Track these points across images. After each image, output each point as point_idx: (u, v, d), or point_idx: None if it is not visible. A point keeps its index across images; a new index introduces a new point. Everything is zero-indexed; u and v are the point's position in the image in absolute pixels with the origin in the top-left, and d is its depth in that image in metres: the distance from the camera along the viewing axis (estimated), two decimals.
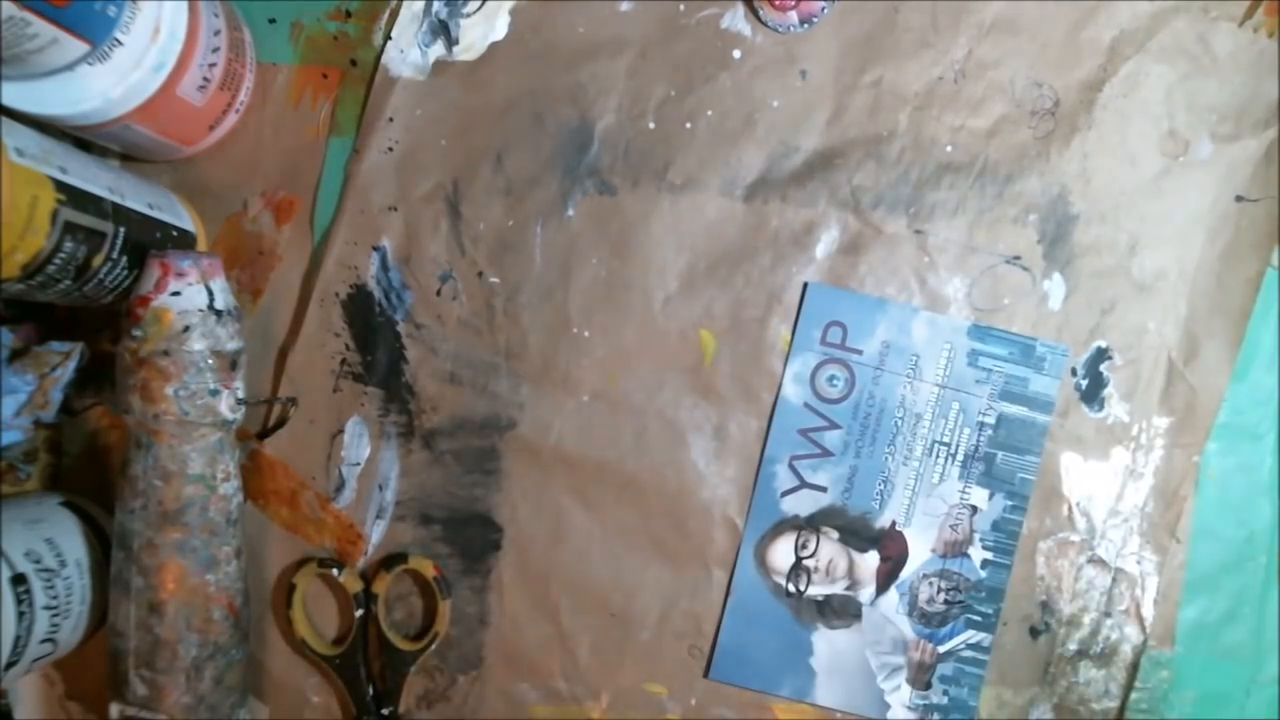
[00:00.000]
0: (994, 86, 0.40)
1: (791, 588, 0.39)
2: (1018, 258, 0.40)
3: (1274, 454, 0.40)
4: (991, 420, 0.38)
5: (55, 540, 0.37)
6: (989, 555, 0.39)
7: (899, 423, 0.39)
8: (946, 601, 0.39)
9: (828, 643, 0.39)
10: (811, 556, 0.39)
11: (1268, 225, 0.40)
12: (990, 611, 0.39)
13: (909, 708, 0.39)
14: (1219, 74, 0.39)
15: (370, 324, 0.41)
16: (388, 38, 0.41)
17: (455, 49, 0.41)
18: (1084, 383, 0.40)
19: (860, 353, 0.39)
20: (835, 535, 0.39)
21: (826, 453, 0.39)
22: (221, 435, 0.36)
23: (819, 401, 0.39)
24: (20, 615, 0.34)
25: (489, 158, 0.41)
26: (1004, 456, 0.39)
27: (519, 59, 0.41)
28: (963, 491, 0.39)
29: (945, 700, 0.39)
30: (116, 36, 0.33)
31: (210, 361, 0.35)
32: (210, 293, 0.36)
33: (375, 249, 0.41)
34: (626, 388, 0.41)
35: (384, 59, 0.41)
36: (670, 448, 0.40)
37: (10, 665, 0.35)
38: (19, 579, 0.35)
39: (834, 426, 0.39)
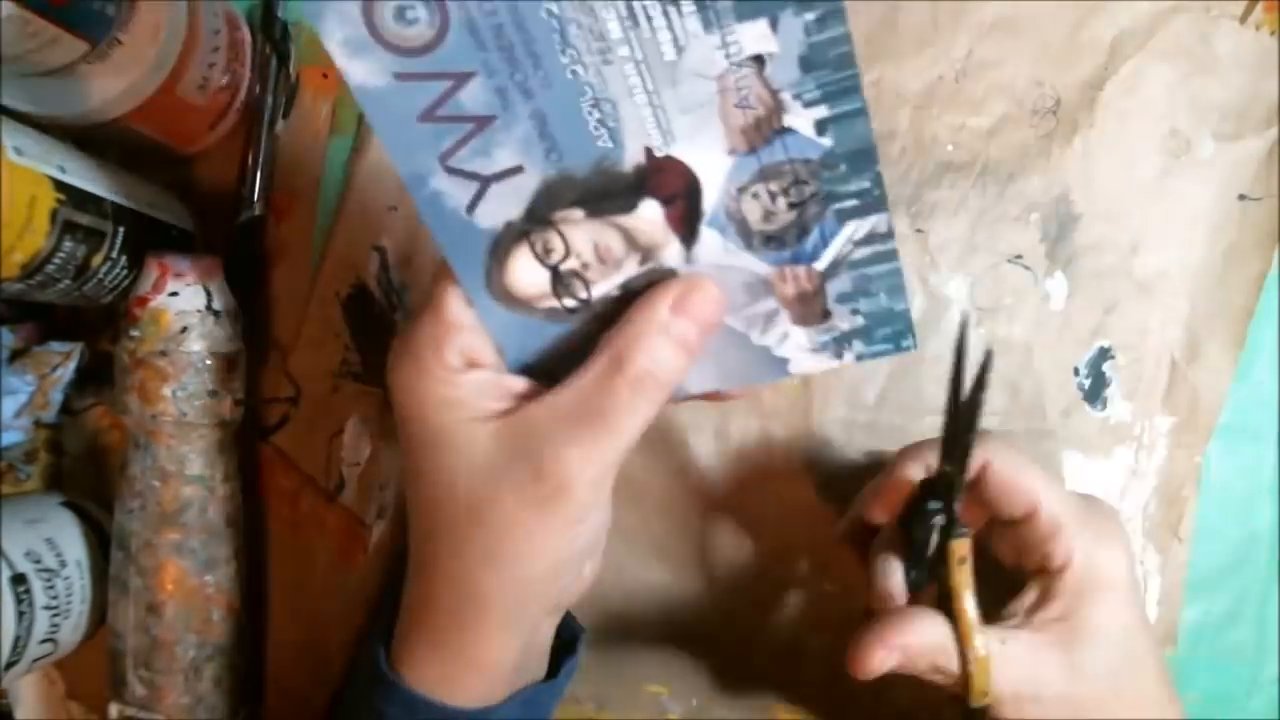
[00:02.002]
0: (995, 86, 0.40)
1: (570, 303, 0.27)
2: (1019, 257, 0.40)
3: (1276, 454, 0.40)
4: None
5: (55, 540, 0.37)
6: (821, 111, 0.24)
7: (554, 9, 0.23)
8: (792, 205, 0.26)
9: None
10: (567, 256, 0.27)
11: (1270, 224, 0.39)
12: (866, 185, 0.25)
13: (814, 349, 0.28)
14: (1220, 73, 0.39)
15: (370, 324, 0.41)
16: None
17: None
18: (1086, 382, 0.40)
19: None
20: (580, 214, 0.26)
21: (482, 121, 0.24)
22: (220, 436, 0.36)
23: (410, 59, 0.23)
24: (20, 615, 0.34)
25: None
26: None
27: None
28: (724, 46, 0.23)
29: (860, 321, 0.27)
30: (116, 36, 0.33)
31: (208, 362, 0.35)
32: (209, 293, 0.36)
33: (375, 249, 0.41)
34: None
35: None
36: (671, 448, 0.40)
37: (10, 665, 0.35)
38: (19, 579, 0.35)
39: (462, 79, 0.23)
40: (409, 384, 0.27)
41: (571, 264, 0.27)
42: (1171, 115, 0.40)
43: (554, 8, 0.23)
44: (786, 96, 0.24)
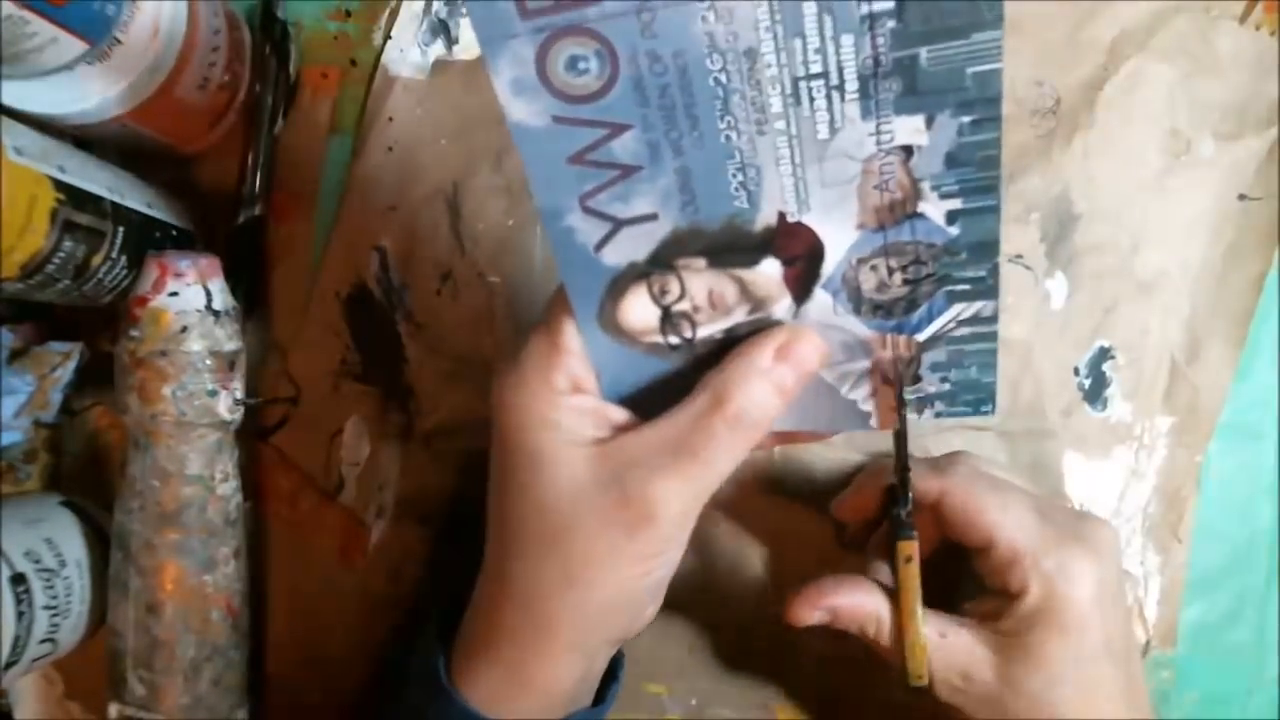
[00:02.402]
0: None
1: (673, 339, 0.29)
2: (1020, 257, 0.40)
3: (1276, 454, 0.40)
4: (886, 3, 0.22)
5: (55, 540, 0.37)
6: (955, 204, 0.26)
7: (721, 78, 0.24)
8: (907, 281, 0.27)
9: None
10: (681, 299, 0.28)
11: (1270, 224, 0.39)
12: (982, 274, 0.27)
13: (892, 406, 0.30)
14: (1221, 72, 0.39)
15: (370, 324, 0.41)
16: (388, 37, 0.41)
17: (455, 48, 0.41)
18: (1087, 382, 0.40)
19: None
20: (702, 263, 0.27)
21: (629, 169, 0.25)
22: (220, 436, 0.36)
23: (573, 105, 0.24)
24: (20, 615, 0.34)
25: (489, 158, 0.41)
26: (932, 53, 0.23)
27: None
28: (877, 133, 0.24)
29: (947, 387, 0.29)
30: (115, 36, 0.33)
31: (208, 362, 0.35)
32: (208, 293, 0.36)
33: (375, 249, 0.41)
34: None
35: (384, 58, 0.41)
36: None
37: (10, 665, 0.35)
38: (18, 579, 0.35)
39: (618, 129, 0.24)
40: (514, 400, 0.27)
41: (684, 306, 0.28)
42: (1171, 115, 0.39)
43: (722, 77, 0.24)
44: (926, 186, 0.25)
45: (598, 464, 0.27)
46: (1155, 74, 0.39)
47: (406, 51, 0.41)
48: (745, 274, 0.27)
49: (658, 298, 0.28)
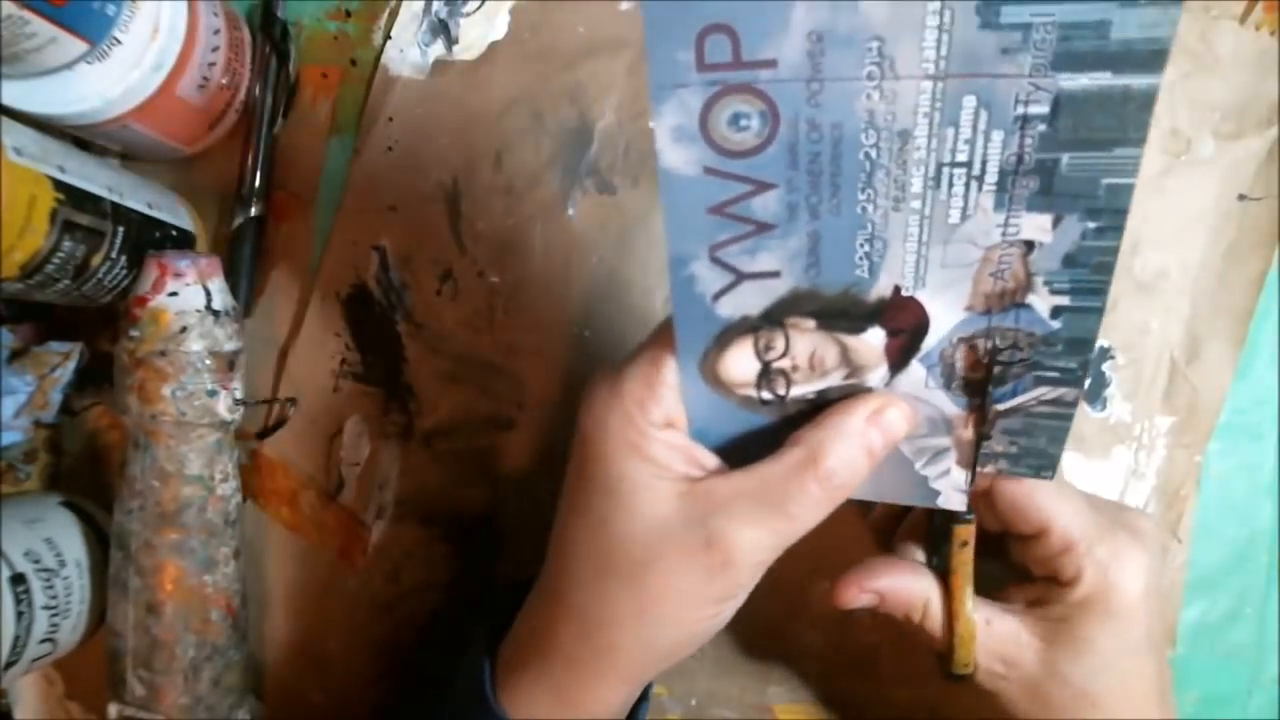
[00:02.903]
0: None
1: (766, 395, 0.29)
2: None
3: (1276, 454, 0.40)
4: (1042, 108, 0.23)
5: (55, 540, 0.37)
6: (1063, 300, 0.26)
7: (872, 154, 0.25)
8: (1002, 363, 0.28)
9: None
10: (783, 356, 0.29)
11: (1270, 224, 0.39)
12: (1073, 366, 0.28)
13: (965, 490, 0.30)
14: (1221, 72, 0.39)
15: (370, 324, 0.41)
16: (387, 37, 0.41)
17: (455, 48, 0.41)
18: (1086, 382, 0.40)
19: (772, 64, 0.23)
20: (811, 324, 0.28)
21: (764, 226, 0.26)
22: (219, 436, 0.36)
23: (726, 159, 0.25)
24: (19, 615, 0.34)
25: (489, 157, 0.41)
26: (1073, 160, 0.24)
27: (518, 58, 0.41)
28: (1005, 225, 0.25)
29: (1014, 449, 0.30)
30: (115, 35, 0.33)
31: (208, 362, 0.35)
32: (208, 293, 0.36)
33: (375, 249, 0.41)
34: None
35: (384, 58, 0.41)
36: None
37: (9, 665, 0.35)
38: (18, 579, 0.35)
39: (763, 188, 0.25)
40: (607, 427, 0.27)
41: (784, 364, 0.29)
42: (1172, 115, 0.39)
43: (872, 153, 0.25)
44: (1039, 280, 0.26)
45: (686, 503, 0.27)
46: None
47: (406, 51, 0.41)
48: (849, 339, 0.28)
49: (761, 352, 0.29)
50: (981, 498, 0.32)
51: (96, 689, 0.41)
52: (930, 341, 0.28)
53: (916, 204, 0.25)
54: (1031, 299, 0.27)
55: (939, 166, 0.25)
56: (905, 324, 0.28)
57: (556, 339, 0.41)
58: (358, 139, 0.41)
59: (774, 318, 0.28)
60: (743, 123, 0.24)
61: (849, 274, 0.27)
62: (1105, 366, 0.40)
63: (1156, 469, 0.40)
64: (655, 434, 0.27)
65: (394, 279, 0.41)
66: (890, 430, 0.28)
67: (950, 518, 0.31)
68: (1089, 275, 0.26)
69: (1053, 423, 0.29)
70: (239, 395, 0.37)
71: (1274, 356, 0.40)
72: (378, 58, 0.41)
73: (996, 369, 0.28)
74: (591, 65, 0.40)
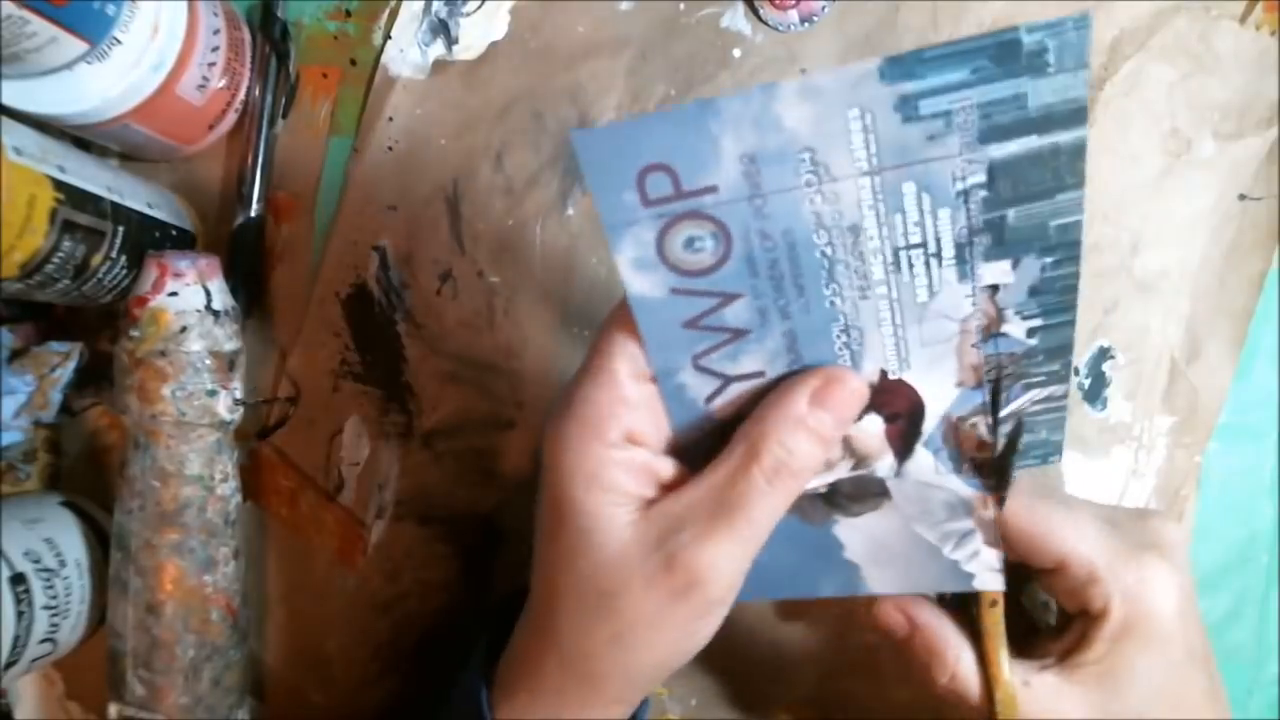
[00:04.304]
0: None
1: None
2: None
3: (1276, 454, 0.40)
4: (979, 178, 0.25)
5: (55, 540, 0.37)
6: (1036, 323, 0.28)
7: (827, 251, 0.26)
8: (989, 382, 0.29)
9: (858, 532, 0.31)
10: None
11: (1270, 224, 0.39)
12: (1056, 368, 0.29)
13: (999, 570, 0.30)
14: (1221, 72, 0.39)
15: (370, 324, 0.41)
16: (387, 37, 0.41)
17: (455, 48, 0.41)
18: (1086, 382, 0.40)
19: (714, 190, 0.25)
20: None
21: (739, 333, 0.27)
22: (219, 436, 0.36)
23: (689, 279, 0.26)
24: (19, 615, 0.34)
25: (489, 157, 0.41)
26: (1019, 213, 0.26)
27: (519, 58, 0.41)
28: (972, 294, 0.27)
29: (1020, 446, 0.31)
30: (115, 35, 0.33)
31: (208, 362, 0.35)
32: (208, 293, 0.36)
33: (375, 249, 0.41)
34: None
35: (384, 58, 0.41)
36: None
37: (9, 665, 0.35)
38: (18, 579, 0.35)
39: (730, 298, 0.26)
40: (565, 458, 0.27)
41: None
42: (1171, 115, 0.39)
43: (827, 250, 0.26)
44: (1010, 313, 0.27)
45: (643, 528, 0.26)
46: (1155, 74, 0.39)
47: (406, 51, 0.41)
48: (849, 430, 0.29)
49: None
50: None
51: (96, 689, 0.41)
52: (930, 424, 0.29)
53: (882, 289, 0.26)
54: (1006, 328, 0.28)
55: (895, 251, 0.26)
56: (900, 407, 0.29)
57: (556, 339, 0.41)
58: (358, 139, 0.41)
59: None
60: (697, 245, 0.25)
61: (832, 364, 0.28)
62: (1105, 366, 0.40)
63: (1156, 469, 0.40)
64: (614, 457, 0.26)
65: (394, 279, 0.41)
66: (841, 408, 0.27)
67: None
68: (1056, 299, 0.27)
69: (1049, 416, 0.30)
70: (239, 395, 0.37)
71: (1274, 356, 0.40)
72: (378, 58, 0.41)
73: (987, 388, 0.29)
74: (591, 65, 0.40)
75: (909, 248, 0.26)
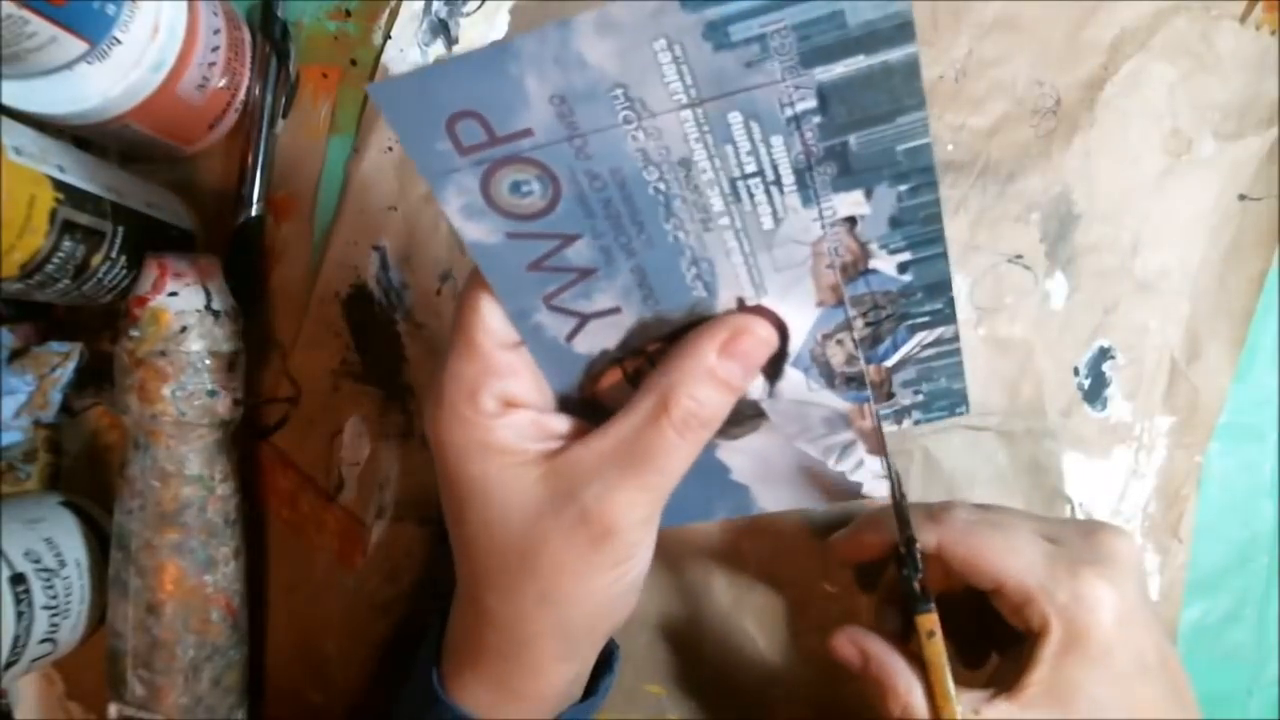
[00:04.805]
0: (995, 85, 0.39)
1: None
2: (1020, 257, 0.40)
3: (1276, 454, 0.40)
4: (809, 103, 0.24)
5: (55, 540, 0.37)
6: (905, 256, 0.27)
7: (660, 187, 0.25)
8: (869, 324, 0.28)
9: (740, 454, 0.31)
10: None
11: (1271, 224, 0.39)
12: (939, 306, 0.28)
13: (880, 475, 0.31)
14: (1221, 72, 0.39)
15: (370, 324, 0.41)
16: (387, 37, 0.41)
17: (455, 48, 0.41)
18: (1086, 382, 0.40)
19: (529, 133, 0.24)
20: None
21: (586, 271, 0.26)
22: (219, 436, 0.36)
23: (522, 222, 0.25)
24: (19, 615, 0.34)
25: None
26: (860, 138, 0.25)
27: None
28: (820, 216, 0.26)
29: (921, 398, 0.30)
30: (115, 35, 0.33)
31: (208, 362, 0.35)
32: (208, 293, 0.36)
33: (375, 249, 0.41)
34: None
35: (384, 58, 0.41)
36: None
37: (9, 665, 0.35)
38: (18, 579, 0.35)
39: (569, 239, 0.26)
40: (449, 435, 0.27)
41: None
42: (1172, 115, 0.39)
43: (660, 185, 0.25)
44: (874, 246, 0.27)
45: (549, 483, 0.26)
46: (1155, 74, 0.39)
47: (406, 51, 0.41)
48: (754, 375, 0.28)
49: (633, 379, 0.29)
50: (937, 561, 0.32)
51: (96, 689, 0.41)
52: (795, 344, 0.28)
53: (725, 220, 0.26)
54: (874, 264, 0.27)
55: (732, 182, 0.25)
56: None
57: None
58: (358, 139, 0.41)
59: (632, 347, 0.28)
60: (524, 189, 0.25)
61: (687, 296, 0.27)
62: (1105, 366, 0.40)
63: (1157, 469, 0.40)
64: (495, 423, 0.26)
65: (394, 279, 0.41)
66: (749, 358, 0.27)
67: (911, 609, 0.31)
68: (920, 229, 0.26)
69: (944, 361, 0.30)
70: (239, 395, 0.37)
71: (1274, 356, 0.40)
72: (378, 58, 0.41)
73: (867, 329, 0.28)
74: None
75: (745, 177, 0.25)
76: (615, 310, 0.27)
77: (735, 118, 0.24)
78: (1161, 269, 0.40)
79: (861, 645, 0.32)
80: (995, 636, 0.33)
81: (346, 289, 0.41)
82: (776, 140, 0.24)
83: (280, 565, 0.42)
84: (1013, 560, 0.30)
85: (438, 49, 0.41)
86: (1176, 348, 0.40)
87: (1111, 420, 0.40)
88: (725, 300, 0.27)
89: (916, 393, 0.30)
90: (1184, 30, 0.39)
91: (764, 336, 0.27)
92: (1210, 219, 0.40)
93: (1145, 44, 0.39)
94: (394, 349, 0.41)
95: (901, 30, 0.22)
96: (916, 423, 0.31)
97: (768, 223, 0.26)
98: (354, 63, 0.41)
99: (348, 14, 0.41)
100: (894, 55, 0.23)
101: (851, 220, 0.26)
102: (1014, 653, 0.31)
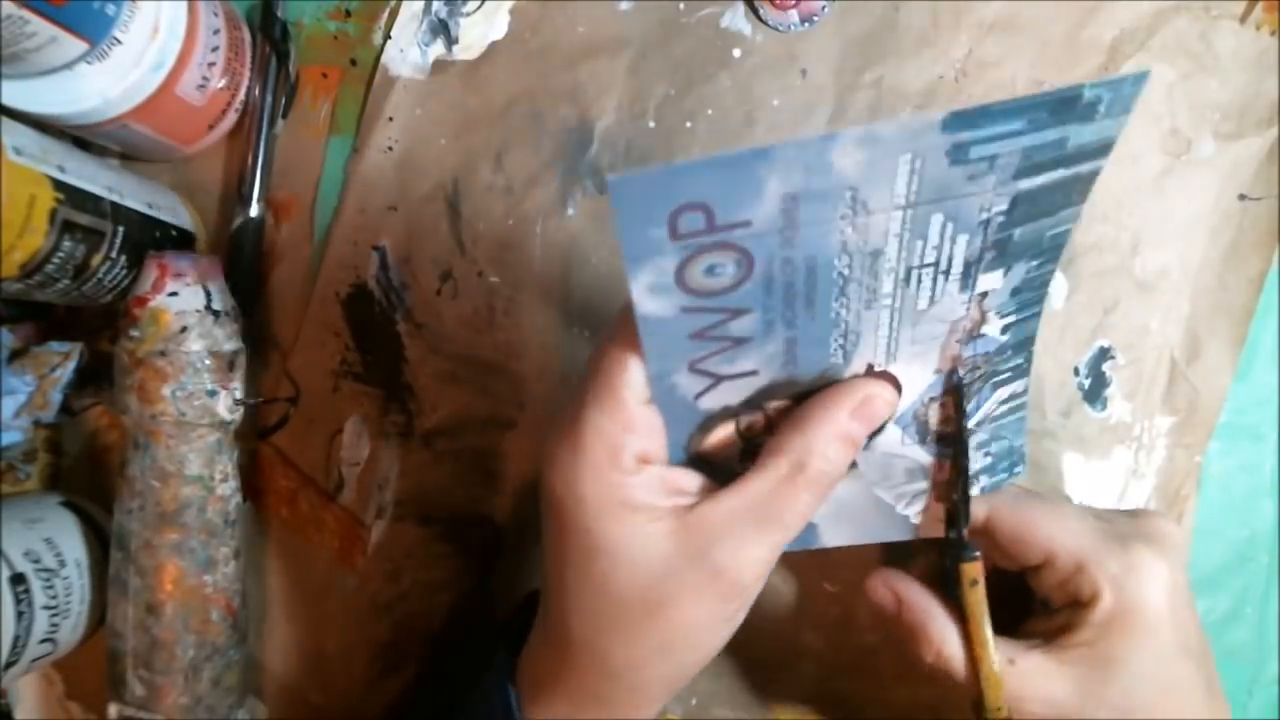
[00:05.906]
0: (995, 85, 0.40)
1: (750, 465, 0.29)
2: None
3: (1276, 454, 0.40)
4: (1002, 206, 0.25)
5: (54, 540, 0.37)
6: (1010, 319, 0.29)
7: (844, 272, 0.26)
8: (966, 384, 0.30)
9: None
10: (762, 433, 0.30)
11: (1270, 224, 0.39)
12: (1021, 361, 0.30)
13: (939, 518, 0.32)
14: (1221, 72, 0.39)
15: (370, 324, 0.41)
16: (387, 37, 0.41)
17: (455, 48, 0.41)
18: (1086, 382, 0.40)
19: (747, 224, 0.24)
20: (789, 404, 0.29)
21: (740, 341, 0.27)
22: (219, 436, 0.36)
23: (702, 298, 0.25)
24: (19, 615, 0.34)
25: (489, 157, 0.41)
26: (1024, 231, 0.26)
27: (519, 58, 0.41)
28: (967, 302, 0.28)
29: (989, 460, 0.32)
30: (115, 35, 0.33)
31: (208, 362, 0.35)
32: (208, 293, 0.36)
33: (375, 249, 0.41)
34: None
35: (384, 58, 0.41)
36: None
37: (9, 665, 0.35)
38: (18, 579, 0.35)
39: (739, 313, 0.26)
40: (583, 489, 0.27)
41: (763, 440, 0.29)
42: (1172, 115, 0.39)
43: (845, 270, 0.25)
44: (992, 314, 0.28)
45: (679, 538, 0.27)
46: (1155, 74, 0.39)
47: (406, 51, 0.41)
48: None
49: (744, 433, 0.30)
50: (984, 536, 0.32)
51: (96, 689, 0.41)
52: (903, 405, 0.30)
53: (888, 301, 0.27)
54: (985, 329, 0.29)
55: (909, 270, 0.26)
56: None
57: (556, 339, 0.41)
58: (358, 139, 0.41)
59: (753, 404, 0.29)
60: (718, 271, 0.25)
61: (825, 362, 0.28)
62: (1105, 366, 0.40)
63: (1156, 469, 0.40)
64: (632, 480, 0.27)
65: (394, 279, 0.41)
66: (874, 418, 0.28)
67: (956, 557, 0.31)
68: (1032, 294, 0.28)
69: (1013, 417, 0.31)
70: (239, 395, 0.37)
71: (1274, 357, 0.40)
72: (378, 58, 0.41)
73: (964, 386, 0.29)
74: (591, 65, 0.40)
75: (922, 266, 0.26)
76: (753, 373, 0.28)
77: (937, 218, 0.25)
78: (1161, 269, 0.40)
79: (896, 589, 0.32)
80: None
81: (346, 289, 0.41)
82: (963, 239, 0.26)
83: (280, 565, 0.42)
84: (1064, 530, 0.30)
85: (438, 49, 0.41)
86: (1176, 348, 0.40)
87: (1111, 420, 0.40)
88: (856, 366, 0.28)
89: (986, 454, 0.31)
90: (1184, 30, 0.39)
91: (889, 400, 0.28)
92: (1210, 219, 0.40)
93: (1145, 44, 0.39)
94: (394, 349, 0.41)
95: (1104, 149, 0.25)
96: (983, 489, 0.32)
97: (924, 304, 0.27)
98: (354, 63, 0.41)
99: (348, 14, 0.41)
100: (1086, 168, 0.25)
101: (983, 295, 0.28)
102: (1060, 614, 0.31)
